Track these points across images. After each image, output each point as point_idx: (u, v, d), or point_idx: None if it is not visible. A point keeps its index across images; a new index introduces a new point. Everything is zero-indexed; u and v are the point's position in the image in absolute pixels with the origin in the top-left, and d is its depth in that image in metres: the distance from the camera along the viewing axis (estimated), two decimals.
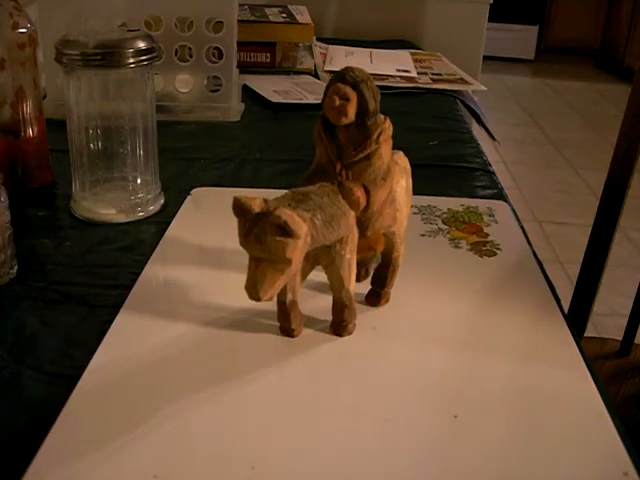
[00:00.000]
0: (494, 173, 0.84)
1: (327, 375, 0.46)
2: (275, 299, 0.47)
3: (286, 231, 0.40)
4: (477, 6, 1.75)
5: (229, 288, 0.51)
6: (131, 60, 0.62)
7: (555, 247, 2.33)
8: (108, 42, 0.62)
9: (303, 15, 1.31)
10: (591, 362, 0.48)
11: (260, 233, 0.40)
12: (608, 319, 1.88)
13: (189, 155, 0.85)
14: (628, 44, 4.75)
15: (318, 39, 1.44)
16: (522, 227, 0.67)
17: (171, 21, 0.95)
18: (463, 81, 1.25)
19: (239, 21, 0.99)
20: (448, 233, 0.65)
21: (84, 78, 0.64)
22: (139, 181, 0.69)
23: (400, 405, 0.43)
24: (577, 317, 1.02)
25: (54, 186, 0.74)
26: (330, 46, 1.45)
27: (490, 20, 1.78)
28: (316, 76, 1.24)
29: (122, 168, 0.68)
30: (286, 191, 0.45)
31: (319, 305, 0.51)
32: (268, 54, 1.24)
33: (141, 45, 0.63)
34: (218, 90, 1.00)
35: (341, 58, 1.35)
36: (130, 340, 0.48)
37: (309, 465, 0.38)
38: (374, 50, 1.42)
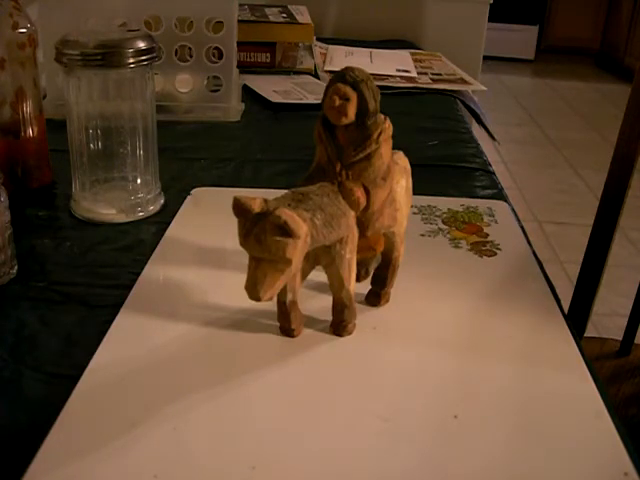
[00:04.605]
0: (494, 173, 0.84)
1: (327, 375, 0.45)
2: (275, 299, 0.47)
3: (286, 231, 0.40)
4: (477, 6, 1.75)
5: (229, 288, 0.51)
6: (131, 60, 0.62)
7: (555, 247, 2.33)
8: (108, 42, 0.62)
9: (303, 15, 1.31)
10: (591, 362, 0.47)
11: (260, 233, 0.40)
12: (608, 319, 1.88)
13: (189, 155, 0.85)
14: (628, 44, 4.75)
15: (318, 39, 1.44)
16: (522, 227, 0.67)
17: (171, 21, 0.95)
18: (463, 81, 1.25)
19: (239, 21, 1.00)
20: (448, 233, 0.65)
21: (84, 78, 0.64)
22: (139, 181, 0.69)
23: (400, 405, 0.43)
24: (577, 317, 1.02)
25: (54, 186, 0.74)
26: (330, 46, 1.45)
27: (490, 20, 1.78)
28: (316, 76, 1.24)
29: (122, 168, 0.68)
30: (286, 191, 0.45)
31: (319, 305, 0.51)
32: (268, 54, 1.24)
33: (141, 45, 0.63)
34: (218, 90, 1.00)
35: (341, 58, 1.35)
36: (130, 340, 0.48)
37: (309, 465, 0.38)
38: (374, 50, 1.42)
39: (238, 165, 0.83)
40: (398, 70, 1.27)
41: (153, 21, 0.96)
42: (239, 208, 0.41)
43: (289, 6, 1.36)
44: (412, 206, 0.54)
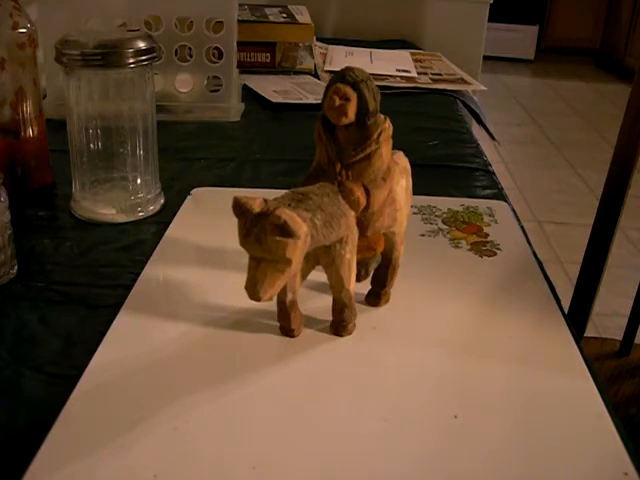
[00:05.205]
0: (494, 173, 0.84)
1: (327, 375, 0.45)
2: (275, 299, 0.47)
3: (286, 231, 0.40)
4: (477, 6, 1.75)
5: (229, 288, 0.51)
6: (131, 60, 0.62)
7: (555, 247, 2.33)
8: (108, 42, 0.62)
9: (303, 15, 1.31)
10: (591, 362, 0.48)
11: (260, 233, 0.40)
12: (608, 319, 1.88)
13: (189, 155, 0.85)
14: (628, 44, 4.75)
15: (318, 39, 1.44)
16: (522, 227, 0.67)
17: (171, 21, 0.95)
18: (463, 81, 1.25)
19: (239, 21, 0.99)
20: (448, 233, 0.65)
21: (84, 78, 0.64)
22: (139, 181, 0.69)
23: (400, 405, 0.43)
24: (577, 317, 1.02)
25: (54, 186, 0.74)
26: (330, 46, 1.45)
27: (490, 20, 1.78)
28: (316, 76, 1.24)
29: (122, 168, 0.68)
30: (286, 191, 0.45)
31: (319, 305, 0.51)
32: (268, 54, 1.24)
33: (141, 45, 0.63)
34: (218, 90, 1.00)
35: (341, 58, 1.35)
36: (130, 340, 0.48)
37: (309, 465, 0.38)
38: (374, 50, 1.42)
39: (238, 165, 0.83)
40: (398, 70, 1.27)
41: (153, 21, 0.96)
42: (239, 208, 0.41)
43: (289, 6, 1.36)
44: (412, 206, 0.54)
